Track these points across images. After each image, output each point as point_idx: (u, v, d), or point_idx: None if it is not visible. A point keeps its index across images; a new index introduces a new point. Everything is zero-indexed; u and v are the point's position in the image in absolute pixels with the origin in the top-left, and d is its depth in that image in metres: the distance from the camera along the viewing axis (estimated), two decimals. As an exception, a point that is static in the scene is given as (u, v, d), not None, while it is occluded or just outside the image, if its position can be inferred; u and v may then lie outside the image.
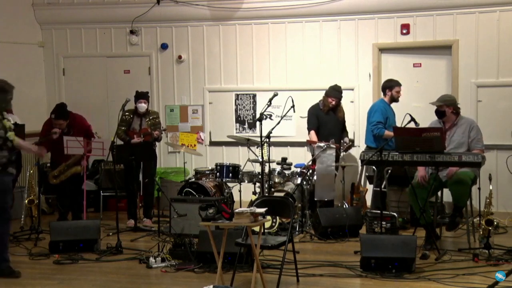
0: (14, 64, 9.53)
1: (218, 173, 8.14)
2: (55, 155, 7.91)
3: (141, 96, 8.22)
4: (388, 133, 7.57)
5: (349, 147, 8.16)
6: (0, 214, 6.01)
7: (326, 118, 8.09)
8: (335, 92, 8.07)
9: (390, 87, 7.99)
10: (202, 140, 9.54)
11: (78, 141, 7.63)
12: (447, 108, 6.71)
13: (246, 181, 8.13)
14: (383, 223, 6.62)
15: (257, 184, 7.95)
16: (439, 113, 6.75)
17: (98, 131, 8.58)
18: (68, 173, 7.79)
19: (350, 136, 8.48)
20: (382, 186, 7.39)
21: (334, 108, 8.11)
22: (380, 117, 7.80)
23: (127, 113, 8.10)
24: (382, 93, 8.14)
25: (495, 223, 6.86)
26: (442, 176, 6.67)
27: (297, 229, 7.44)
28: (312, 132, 8.07)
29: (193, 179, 8.36)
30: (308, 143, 8.00)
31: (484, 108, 8.36)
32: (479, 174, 6.74)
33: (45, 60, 10.10)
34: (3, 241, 6.06)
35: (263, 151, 7.47)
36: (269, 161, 7.54)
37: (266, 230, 6.85)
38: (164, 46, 9.65)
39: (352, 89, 8.87)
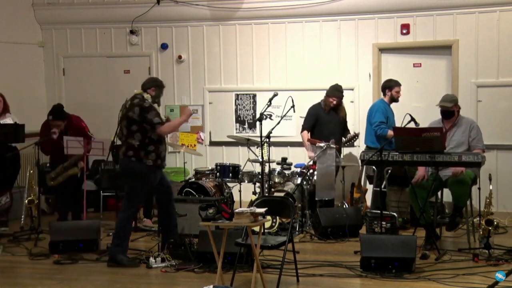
0: (14, 64, 9.54)
1: (218, 173, 8.13)
2: (55, 156, 7.90)
3: None
4: (392, 133, 7.56)
5: (351, 139, 8.06)
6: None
7: (327, 118, 8.09)
8: (336, 91, 8.06)
9: (390, 87, 7.99)
10: (202, 140, 9.54)
11: (78, 141, 7.63)
12: (455, 108, 6.72)
13: (246, 181, 8.13)
14: (383, 223, 6.61)
15: (257, 184, 7.95)
16: (448, 113, 6.73)
17: (98, 131, 8.60)
18: (66, 175, 7.76)
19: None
20: (382, 186, 7.39)
21: (336, 108, 8.11)
22: (381, 117, 7.80)
23: None
24: (382, 93, 8.14)
25: (495, 223, 6.85)
26: (443, 175, 6.67)
27: (297, 229, 7.44)
28: (305, 132, 8.09)
29: (193, 179, 8.35)
30: (310, 144, 8.01)
31: (484, 108, 8.36)
32: (479, 174, 6.75)
33: (45, 60, 10.10)
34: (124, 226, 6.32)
35: (263, 151, 7.47)
36: (269, 161, 7.54)
37: (266, 230, 6.85)
38: (164, 46, 9.65)
39: (352, 89, 8.87)
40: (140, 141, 6.23)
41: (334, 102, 8.05)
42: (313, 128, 8.14)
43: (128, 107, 6.32)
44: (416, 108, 8.35)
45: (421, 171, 6.75)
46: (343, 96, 8.14)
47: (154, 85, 6.50)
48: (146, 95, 6.39)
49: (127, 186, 6.38)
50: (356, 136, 7.99)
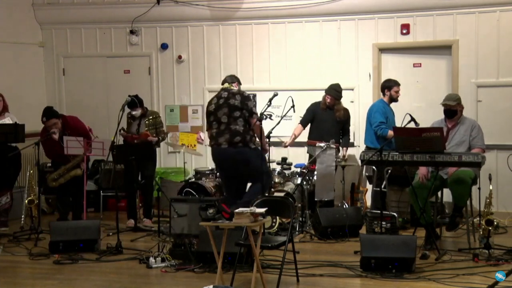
0: (14, 64, 9.54)
1: (218, 173, 8.13)
2: (55, 156, 7.90)
3: (133, 104, 7.95)
4: (392, 133, 7.55)
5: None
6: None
7: (323, 116, 8.12)
8: (332, 90, 8.09)
9: (389, 87, 7.98)
10: (202, 140, 9.53)
11: (78, 141, 7.63)
12: (459, 107, 6.74)
13: (246, 181, 8.12)
14: (383, 223, 6.62)
15: (257, 184, 7.94)
16: (451, 112, 6.74)
17: (98, 131, 8.59)
18: (68, 176, 7.77)
19: (350, 136, 8.47)
20: (382, 186, 7.39)
21: (333, 107, 8.12)
22: (381, 117, 7.79)
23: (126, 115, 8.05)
24: (381, 93, 8.14)
25: (495, 223, 6.85)
26: (443, 173, 6.67)
27: (297, 229, 7.44)
28: (299, 126, 8.25)
29: (193, 179, 8.35)
30: (308, 144, 8.02)
31: (484, 108, 8.35)
32: (479, 174, 6.75)
33: (45, 60, 10.10)
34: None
35: (263, 151, 7.46)
36: (269, 161, 7.54)
37: (266, 230, 6.85)
38: (164, 46, 9.65)
39: (352, 89, 8.87)
40: (243, 126, 6.69)
41: (329, 100, 8.08)
42: (311, 125, 8.19)
43: (227, 97, 6.83)
44: (416, 108, 8.35)
45: (423, 170, 6.74)
46: (339, 95, 8.14)
47: (237, 81, 7.13)
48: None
49: (245, 174, 6.85)
50: (343, 158, 8.13)
